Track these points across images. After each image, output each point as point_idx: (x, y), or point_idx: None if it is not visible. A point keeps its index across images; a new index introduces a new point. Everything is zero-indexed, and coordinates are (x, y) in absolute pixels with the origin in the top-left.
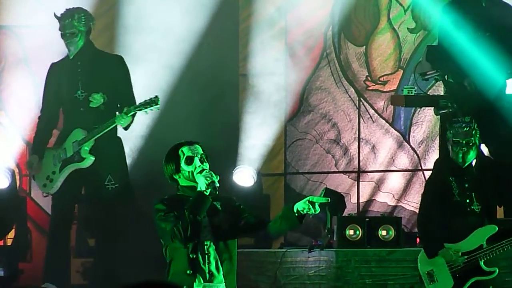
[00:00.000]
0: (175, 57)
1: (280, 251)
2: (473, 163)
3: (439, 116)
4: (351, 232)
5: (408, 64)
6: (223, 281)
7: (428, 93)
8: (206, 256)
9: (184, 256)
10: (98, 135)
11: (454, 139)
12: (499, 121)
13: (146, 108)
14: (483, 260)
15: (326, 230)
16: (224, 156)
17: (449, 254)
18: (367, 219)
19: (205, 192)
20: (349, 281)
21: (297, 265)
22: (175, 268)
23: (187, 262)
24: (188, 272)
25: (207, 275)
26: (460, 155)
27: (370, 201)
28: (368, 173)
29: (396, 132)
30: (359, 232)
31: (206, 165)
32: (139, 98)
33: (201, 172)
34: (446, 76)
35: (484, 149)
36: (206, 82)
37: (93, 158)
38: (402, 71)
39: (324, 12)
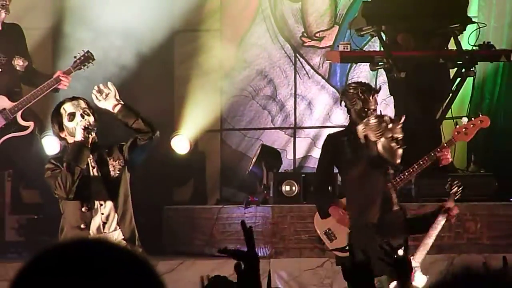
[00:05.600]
0: None
1: (216, 207)
2: None
3: (375, 72)
4: (287, 188)
5: (344, 20)
6: (117, 227)
7: (364, 49)
8: (99, 207)
9: (76, 210)
10: (35, 100)
11: (362, 108)
12: (437, 77)
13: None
14: None
15: (262, 186)
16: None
17: (340, 211)
18: (303, 175)
19: (82, 141)
20: (285, 236)
21: (233, 221)
22: (68, 223)
23: (79, 216)
24: (81, 226)
25: (101, 226)
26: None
27: (306, 157)
28: (304, 129)
29: (332, 88)
30: (295, 188)
31: (90, 119)
32: None
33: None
34: (381, 32)
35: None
36: (142, 44)
37: (32, 123)
38: (337, 27)
39: None
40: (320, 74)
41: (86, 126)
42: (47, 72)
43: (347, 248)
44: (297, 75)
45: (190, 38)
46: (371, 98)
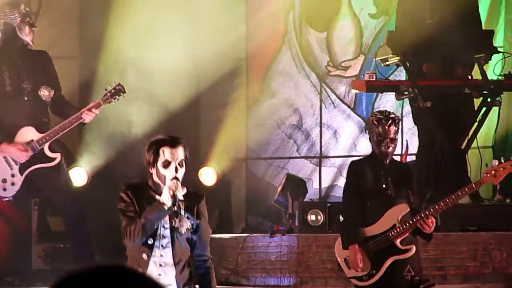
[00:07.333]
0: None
1: (241, 236)
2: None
3: (401, 101)
4: (313, 217)
5: (370, 50)
6: (174, 283)
7: (389, 78)
8: (159, 257)
9: (139, 253)
10: (62, 133)
11: (379, 137)
12: (462, 106)
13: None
14: (399, 239)
15: (287, 215)
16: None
17: (356, 254)
18: (329, 205)
19: (164, 206)
20: (310, 266)
21: (258, 250)
22: (130, 261)
23: (139, 260)
24: (139, 270)
25: (156, 277)
26: (384, 152)
27: (332, 187)
28: (330, 158)
29: (357, 117)
30: (321, 217)
31: (182, 172)
32: None
33: (171, 179)
34: (406, 62)
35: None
36: (162, 70)
37: (59, 154)
38: (363, 56)
39: None
40: (345, 103)
41: (175, 194)
42: (73, 103)
43: (364, 278)
44: (322, 104)
45: (215, 66)
46: (390, 127)
